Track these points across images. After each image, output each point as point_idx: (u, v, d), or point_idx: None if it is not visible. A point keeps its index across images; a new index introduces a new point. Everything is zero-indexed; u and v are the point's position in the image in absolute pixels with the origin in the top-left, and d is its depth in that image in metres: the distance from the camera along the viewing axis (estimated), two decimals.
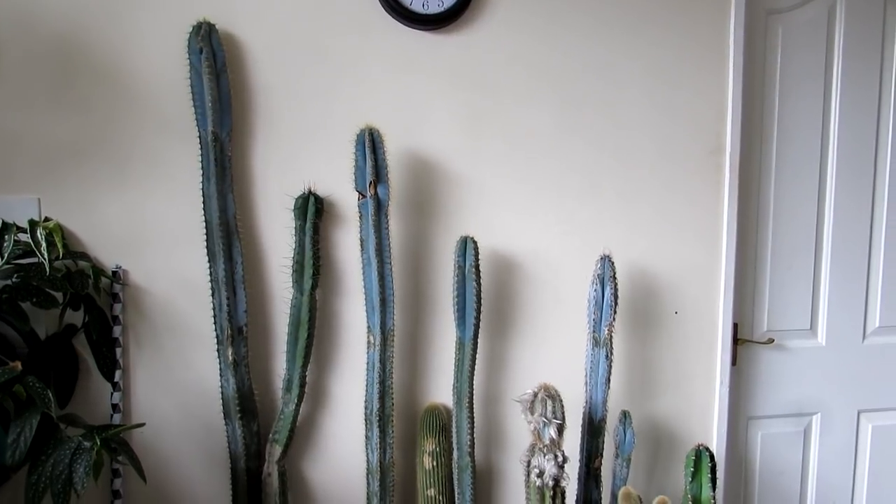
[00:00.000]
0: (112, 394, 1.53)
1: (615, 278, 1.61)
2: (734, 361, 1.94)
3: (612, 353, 1.62)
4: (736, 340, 1.94)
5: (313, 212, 1.53)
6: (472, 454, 1.61)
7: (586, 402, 1.65)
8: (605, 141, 1.78)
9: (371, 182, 1.50)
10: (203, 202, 1.49)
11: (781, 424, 2.03)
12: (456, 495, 1.63)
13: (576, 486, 1.67)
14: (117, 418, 1.53)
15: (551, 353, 1.79)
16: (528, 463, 1.43)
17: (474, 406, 1.61)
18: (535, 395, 1.41)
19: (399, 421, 1.69)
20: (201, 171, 1.49)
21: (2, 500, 1.45)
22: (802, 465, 2.06)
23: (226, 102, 1.51)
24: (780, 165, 1.94)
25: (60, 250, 1.31)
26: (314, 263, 1.53)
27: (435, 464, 1.62)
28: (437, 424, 1.65)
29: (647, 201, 1.82)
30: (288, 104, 1.60)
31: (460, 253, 1.55)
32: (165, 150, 1.54)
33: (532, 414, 1.41)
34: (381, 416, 1.58)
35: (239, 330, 1.54)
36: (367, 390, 1.59)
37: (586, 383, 1.66)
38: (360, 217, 1.55)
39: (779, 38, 1.90)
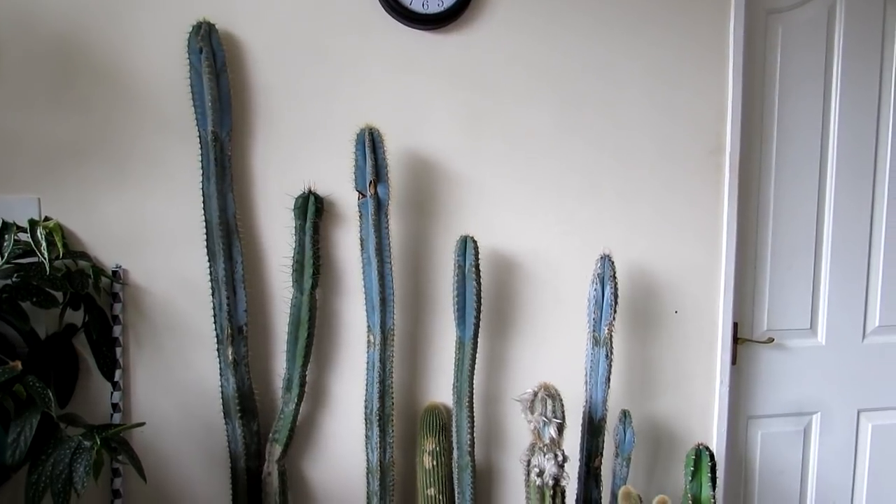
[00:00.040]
0: (112, 393, 1.53)
1: (615, 278, 1.61)
2: (734, 361, 1.94)
3: (611, 353, 1.62)
4: (736, 340, 1.94)
5: (313, 211, 1.53)
6: (472, 453, 1.61)
7: (586, 402, 1.65)
8: (605, 141, 1.78)
9: (371, 181, 1.50)
10: (203, 202, 1.50)
11: (781, 424, 2.03)
12: (456, 495, 1.63)
13: (576, 486, 1.67)
14: (117, 418, 1.53)
15: (551, 352, 1.79)
16: (528, 462, 1.43)
17: (474, 405, 1.61)
18: (535, 394, 1.41)
19: (399, 420, 1.69)
20: (201, 171, 1.49)
21: (2, 500, 1.45)
22: (802, 465, 2.06)
23: (226, 102, 1.51)
24: (780, 165, 1.94)
25: (60, 250, 1.31)
26: (314, 263, 1.53)
27: (435, 463, 1.62)
28: (437, 424, 1.65)
29: (647, 201, 1.82)
30: (288, 104, 1.60)
31: (460, 252, 1.55)
32: (165, 149, 1.54)
33: (532, 413, 1.41)
34: (381, 415, 1.58)
35: (239, 329, 1.54)
36: (367, 390, 1.59)
37: (586, 383, 1.66)
38: (360, 216, 1.55)
39: (779, 38, 1.90)
